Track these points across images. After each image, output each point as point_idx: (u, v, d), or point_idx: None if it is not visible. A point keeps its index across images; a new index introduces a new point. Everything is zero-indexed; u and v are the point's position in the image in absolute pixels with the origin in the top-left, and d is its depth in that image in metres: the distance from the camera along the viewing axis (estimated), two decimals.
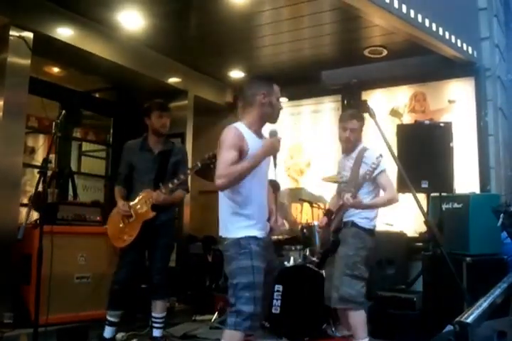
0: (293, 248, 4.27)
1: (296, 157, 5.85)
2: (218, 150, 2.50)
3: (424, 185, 3.80)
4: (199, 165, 3.19)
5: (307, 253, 4.14)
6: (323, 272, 3.80)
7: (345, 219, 3.06)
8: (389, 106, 5.30)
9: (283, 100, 6.34)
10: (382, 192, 3.08)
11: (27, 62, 4.04)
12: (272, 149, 2.46)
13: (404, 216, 4.61)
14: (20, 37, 3.97)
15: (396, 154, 3.28)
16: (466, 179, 4.52)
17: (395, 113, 5.27)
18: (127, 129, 5.35)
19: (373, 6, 3.66)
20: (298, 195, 5.43)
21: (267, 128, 2.61)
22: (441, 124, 4.07)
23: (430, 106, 5.09)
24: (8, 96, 3.90)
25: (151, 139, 3.50)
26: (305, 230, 4.30)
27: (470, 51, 4.69)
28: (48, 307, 3.07)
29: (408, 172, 2.78)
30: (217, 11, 4.24)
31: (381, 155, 2.89)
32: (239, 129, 2.50)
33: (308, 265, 3.92)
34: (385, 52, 5.02)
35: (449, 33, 4.34)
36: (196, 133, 5.73)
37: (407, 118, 5.16)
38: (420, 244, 4.47)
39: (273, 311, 3.75)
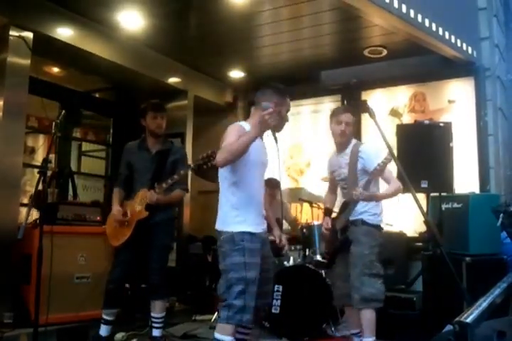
0: (293, 248, 4.27)
1: (296, 157, 5.86)
2: (220, 145, 2.56)
3: (424, 184, 3.80)
4: (191, 165, 3.20)
5: (307, 253, 4.13)
6: (323, 272, 3.82)
7: (353, 218, 3.04)
8: (389, 106, 5.30)
9: None
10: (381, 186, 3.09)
11: (27, 62, 4.04)
12: (264, 122, 2.42)
13: (404, 216, 4.62)
14: (20, 37, 3.97)
15: (396, 154, 3.28)
16: (465, 179, 4.52)
17: (394, 113, 5.27)
18: (127, 129, 5.35)
19: (373, 5, 3.66)
20: (298, 195, 5.44)
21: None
22: (441, 124, 4.07)
23: (430, 106, 5.09)
24: (8, 96, 3.90)
25: (149, 140, 3.51)
26: (305, 230, 4.30)
27: (470, 51, 4.70)
28: (48, 307, 3.07)
29: (408, 172, 2.77)
30: (217, 11, 4.25)
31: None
32: (242, 127, 2.61)
33: (307, 265, 3.92)
34: (384, 52, 5.02)
35: (448, 32, 4.34)
36: (196, 133, 5.73)
37: (407, 118, 5.16)
38: (420, 243, 4.47)
39: (273, 311, 3.75)
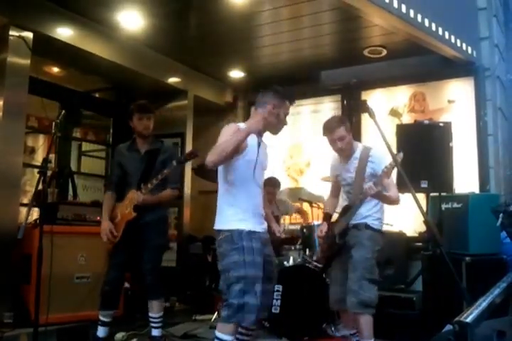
0: (292, 248, 4.27)
1: (295, 157, 5.86)
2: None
3: (424, 184, 3.80)
4: (174, 164, 3.17)
5: (307, 253, 4.13)
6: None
7: (356, 221, 2.99)
8: (388, 106, 5.30)
9: None
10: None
11: (27, 62, 4.04)
12: (254, 127, 2.50)
13: (403, 216, 4.61)
14: (20, 37, 3.97)
15: (395, 154, 3.28)
16: (465, 179, 4.52)
17: (394, 113, 5.27)
18: (127, 129, 5.34)
19: (373, 5, 3.66)
20: (298, 195, 5.44)
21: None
22: (441, 124, 4.07)
23: (430, 106, 5.10)
24: (8, 96, 3.90)
25: (139, 141, 3.52)
26: (305, 230, 4.30)
27: (469, 51, 4.70)
28: (48, 306, 3.07)
29: (407, 172, 2.78)
30: (217, 11, 4.25)
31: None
32: (238, 127, 2.60)
33: (307, 265, 3.92)
34: (384, 52, 5.02)
35: (448, 32, 4.34)
36: (196, 133, 5.73)
37: (407, 118, 5.16)
38: (420, 243, 4.47)
39: (273, 311, 3.75)
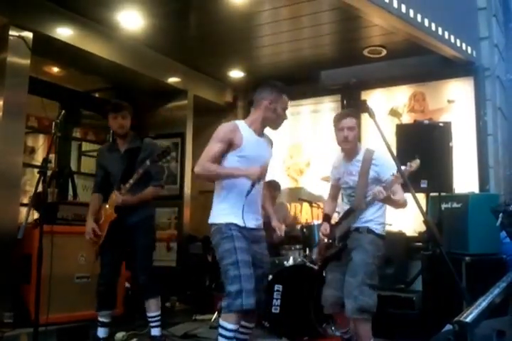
0: (292, 247, 4.27)
1: (295, 157, 5.86)
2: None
3: (424, 184, 3.80)
4: (148, 163, 3.18)
5: (307, 253, 4.14)
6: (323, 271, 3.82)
7: (358, 225, 2.95)
8: (388, 105, 5.31)
9: None
10: None
11: (26, 62, 4.04)
12: (253, 175, 2.50)
13: (403, 215, 4.60)
14: (19, 37, 3.97)
15: (395, 154, 3.28)
16: (465, 179, 4.53)
17: (394, 113, 5.27)
18: None
19: (372, 5, 3.67)
20: (297, 195, 5.45)
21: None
22: (441, 124, 4.07)
23: (429, 105, 5.10)
24: (8, 96, 3.90)
25: (119, 140, 3.49)
26: (305, 230, 4.31)
27: (469, 51, 4.70)
28: (48, 306, 3.07)
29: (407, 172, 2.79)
30: (217, 11, 4.25)
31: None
32: (235, 124, 2.65)
33: (307, 264, 3.92)
34: (384, 52, 5.02)
35: (448, 32, 4.35)
36: (196, 133, 5.74)
37: (407, 118, 5.17)
38: (420, 243, 4.47)
39: (273, 311, 3.75)
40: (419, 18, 4.01)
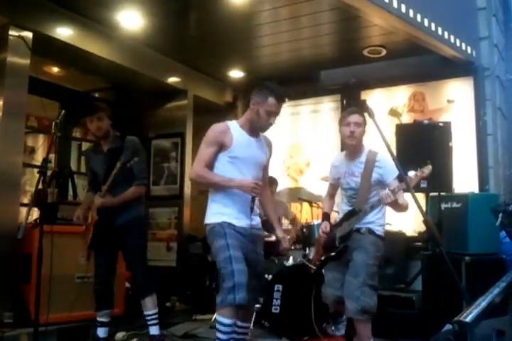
0: (292, 247, 4.27)
1: (295, 157, 5.86)
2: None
3: (423, 184, 3.79)
4: (118, 165, 3.20)
5: (307, 252, 4.14)
6: (323, 271, 3.82)
7: (359, 226, 2.93)
8: (388, 105, 5.31)
9: None
10: None
11: (26, 61, 4.04)
12: (246, 187, 2.52)
13: (403, 215, 4.60)
14: (19, 37, 3.97)
15: (395, 154, 3.28)
16: (464, 178, 4.53)
17: (394, 112, 5.28)
18: (127, 129, 5.35)
19: (372, 5, 3.67)
20: (297, 195, 5.44)
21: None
22: (440, 124, 4.07)
23: (429, 105, 5.10)
24: (8, 96, 3.90)
25: (102, 142, 3.50)
26: (304, 229, 4.31)
27: (469, 51, 4.70)
28: (49, 306, 3.07)
29: (407, 172, 2.78)
30: (217, 11, 4.25)
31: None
32: (226, 125, 2.65)
33: (308, 264, 3.92)
34: (384, 52, 5.03)
35: (448, 32, 4.35)
36: (196, 133, 5.74)
37: (406, 118, 5.17)
38: (419, 243, 4.47)
39: (273, 311, 3.76)
40: (418, 17, 4.01)
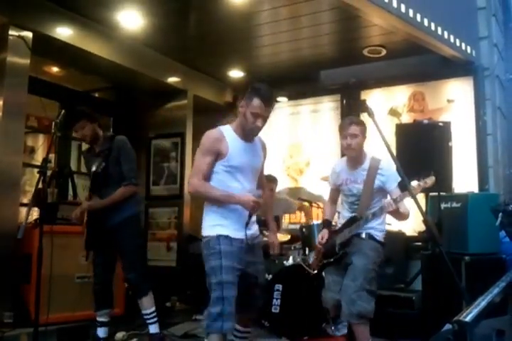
0: (292, 247, 4.27)
1: (295, 156, 5.86)
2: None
3: None
4: (93, 169, 3.30)
5: (307, 252, 4.14)
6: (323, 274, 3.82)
7: (359, 231, 2.93)
8: (388, 105, 5.31)
9: (282, 99, 6.36)
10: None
11: (26, 61, 4.04)
12: (245, 204, 2.44)
13: None
14: (19, 36, 3.97)
15: (395, 154, 3.28)
16: (464, 178, 4.53)
17: (393, 112, 5.27)
18: (127, 129, 5.35)
19: (372, 5, 3.67)
20: (297, 194, 5.44)
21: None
22: (440, 124, 4.07)
23: (429, 105, 5.10)
24: (8, 95, 3.90)
25: (94, 145, 3.53)
26: (304, 229, 4.31)
27: (469, 50, 4.70)
28: (49, 306, 3.07)
29: (407, 172, 2.78)
30: (217, 11, 4.25)
31: None
32: (220, 132, 2.55)
33: (307, 269, 3.91)
34: (384, 52, 5.03)
35: (447, 32, 4.35)
36: (196, 133, 5.73)
37: (406, 118, 5.17)
38: (419, 243, 4.47)
39: (272, 310, 3.76)
40: (418, 17, 4.01)
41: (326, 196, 3.46)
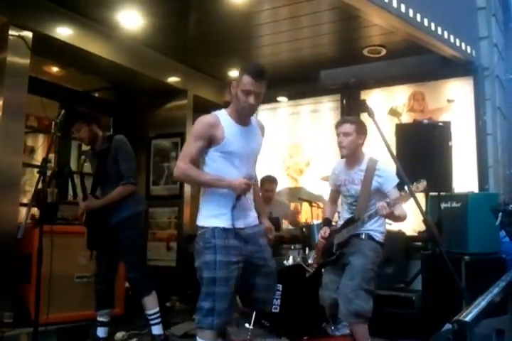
0: (292, 247, 4.27)
1: (295, 156, 5.86)
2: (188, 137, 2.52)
3: None
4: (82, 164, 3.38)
5: (307, 252, 4.14)
6: (322, 271, 3.82)
7: (358, 231, 2.92)
8: (388, 105, 5.31)
9: (282, 100, 6.36)
10: None
11: (26, 61, 4.04)
12: (236, 187, 2.33)
13: None
14: (19, 36, 3.97)
15: (395, 153, 3.28)
16: (464, 178, 4.53)
17: (393, 112, 5.28)
18: (127, 129, 5.36)
19: (372, 5, 3.67)
20: (297, 194, 5.44)
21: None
22: (440, 123, 4.07)
23: (429, 105, 5.10)
24: (8, 95, 3.90)
25: (93, 145, 3.54)
26: (304, 229, 4.31)
27: (468, 50, 4.70)
28: (48, 306, 3.08)
29: (407, 172, 2.78)
30: (217, 11, 4.25)
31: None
32: (215, 117, 2.48)
33: (306, 268, 3.91)
34: (383, 52, 5.03)
35: (447, 32, 4.35)
36: None
37: (406, 118, 5.17)
38: (419, 243, 4.48)
39: (272, 310, 3.76)
40: (418, 17, 4.01)
41: (326, 196, 3.47)
